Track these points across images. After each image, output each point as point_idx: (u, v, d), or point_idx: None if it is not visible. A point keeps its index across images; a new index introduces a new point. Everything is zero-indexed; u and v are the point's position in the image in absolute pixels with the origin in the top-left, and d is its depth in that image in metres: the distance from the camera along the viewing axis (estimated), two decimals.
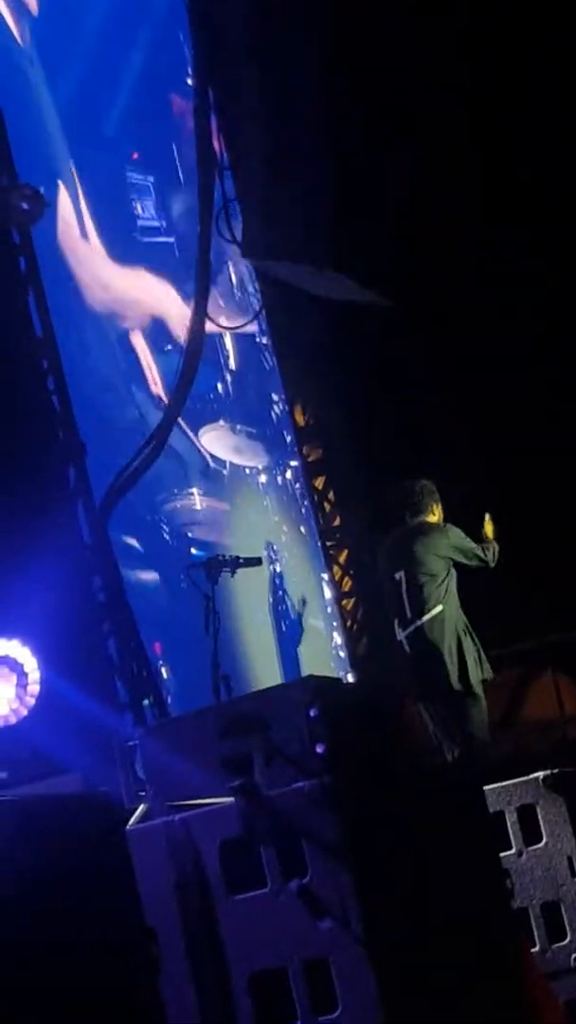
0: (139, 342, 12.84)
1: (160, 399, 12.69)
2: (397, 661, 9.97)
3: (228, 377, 13.87)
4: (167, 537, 12.56)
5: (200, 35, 10.70)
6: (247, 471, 13.75)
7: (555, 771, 6.91)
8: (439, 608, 9.58)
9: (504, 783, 7.01)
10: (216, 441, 13.44)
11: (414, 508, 9.86)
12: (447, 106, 11.02)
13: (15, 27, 12.11)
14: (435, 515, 9.88)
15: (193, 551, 12.34)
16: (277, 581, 12.96)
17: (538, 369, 11.75)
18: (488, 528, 9.90)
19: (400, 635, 9.71)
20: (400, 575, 9.76)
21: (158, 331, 13.02)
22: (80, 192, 12.52)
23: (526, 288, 11.69)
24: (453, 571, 9.68)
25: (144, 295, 12.84)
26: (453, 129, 11.15)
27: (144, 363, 12.88)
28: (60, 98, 12.56)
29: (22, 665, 7.43)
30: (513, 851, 6.93)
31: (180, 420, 11.83)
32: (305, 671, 12.30)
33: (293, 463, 13.83)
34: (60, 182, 12.23)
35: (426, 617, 9.60)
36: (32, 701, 7.38)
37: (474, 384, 11.98)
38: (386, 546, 9.99)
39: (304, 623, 13.25)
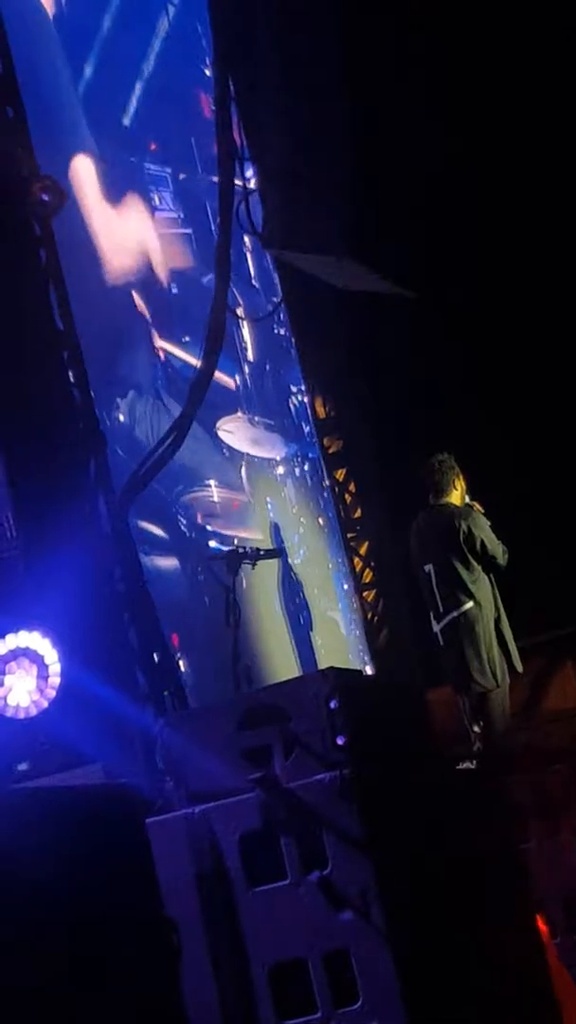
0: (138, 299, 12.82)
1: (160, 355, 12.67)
2: (433, 652, 10.04)
3: (246, 369, 13.85)
4: (184, 529, 12.54)
5: (219, 24, 10.66)
6: (265, 463, 13.74)
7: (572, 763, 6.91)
8: (469, 604, 9.61)
9: (524, 774, 7.01)
10: (234, 433, 13.43)
11: (436, 487, 9.92)
12: (474, 93, 10.98)
13: (49, 9, 12.09)
14: (457, 490, 9.92)
15: (211, 544, 12.33)
16: (292, 573, 12.95)
17: (564, 362, 11.73)
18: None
19: (435, 628, 9.78)
20: (429, 568, 9.80)
21: (173, 321, 13.01)
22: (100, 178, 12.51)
23: (551, 280, 11.67)
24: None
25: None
26: (480, 119, 11.12)
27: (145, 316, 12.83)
28: (80, 87, 12.55)
29: (43, 657, 7.43)
30: (533, 843, 6.93)
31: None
32: (324, 663, 12.29)
33: (312, 455, 13.82)
34: (82, 155, 12.19)
35: (454, 613, 9.65)
36: (53, 693, 7.38)
37: (497, 375, 11.96)
38: (414, 532, 10.03)
39: (322, 615, 13.24)
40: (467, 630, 9.58)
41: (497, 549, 9.73)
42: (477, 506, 9.93)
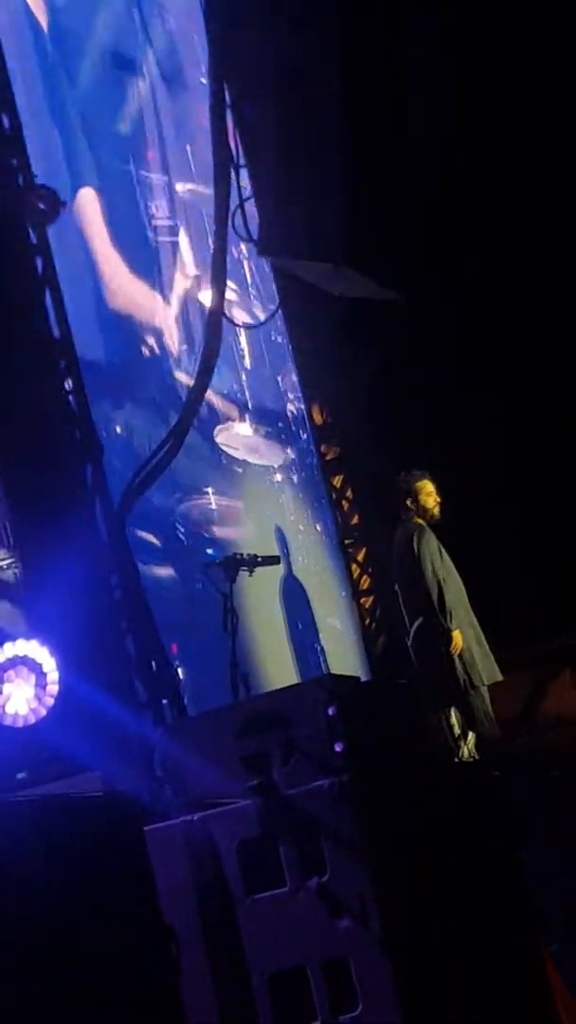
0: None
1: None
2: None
3: (243, 376, 13.84)
4: (182, 537, 12.52)
5: (215, 33, 10.69)
6: (262, 470, 13.72)
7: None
8: (420, 619, 9.82)
9: (524, 780, 7.00)
10: (231, 440, 13.41)
11: (400, 509, 10.28)
12: (467, 102, 11.00)
13: (42, 19, 12.04)
14: (413, 510, 10.22)
15: (209, 551, 12.31)
16: (293, 579, 12.94)
17: (559, 365, 11.74)
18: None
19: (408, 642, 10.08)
20: (396, 587, 10.30)
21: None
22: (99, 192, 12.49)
23: (550, 287, 11.69)
24: (433, 582, 9.93)
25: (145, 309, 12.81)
26: (471, 125, 11.14)
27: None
28: (77, 95, 12.52)
29: (40, 665, 7.43)
30: (532, 849, 6.92)
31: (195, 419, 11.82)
32: (322, 670, 12.28)
33: (309, 461, 13.82)
34: (85, 184, 12.21)
35: (412, 629, 10.04)
36: (51, 701, 7.37)
37: (493, 380, 11.98)
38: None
39: (322, 622, 13.23)
40: (423, 646, 9.86)
41: (432, 586, 9.95)
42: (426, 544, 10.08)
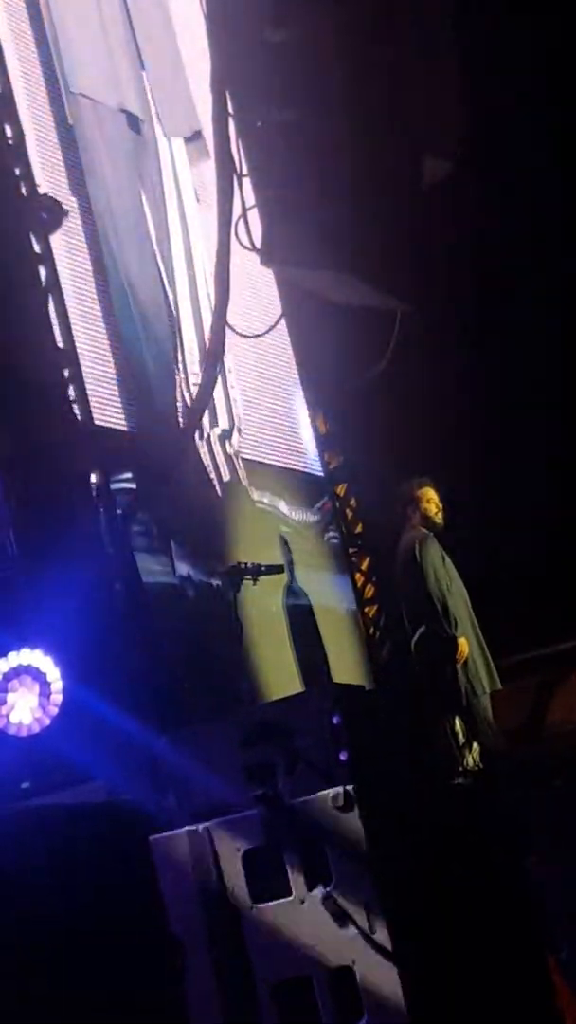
0: None
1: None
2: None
3: (247, 385, 13.83)
4: (186, 546, 12.51)
5: (216, 40, 10.68)
6: (265, 478, 13.72)
7: None
8: (422, 628, 9.85)
9: (529, 788, 6.99)
10: (235, 449, 13.41)
11: (402, 517, 10.35)
12: (474, 106, 10.99)
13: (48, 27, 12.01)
14: (414, 520, 10.32)
15: (213, 561, 12.30)
16: (296, 588, 12.93)
17: (564, 375, 11.77)
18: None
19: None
20: (400, 596, 10.54)
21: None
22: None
23: (548, 289, 11.70)
24: (436, 589, 9.97)
25: None
26: (477, 130, 11.13)
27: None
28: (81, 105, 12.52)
29: (45, 674, 7.44)
30: (537, 856, 6.91)
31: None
32: (326, 679, 12.27)
33: (312, 470, 13.81)
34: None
35: (414, 638, 10.15)
36: (55, 710, 7.38)
37: (497, 388, 11.99)
38: None
39: (326, 630, 13.22)
40: (425, 654, 9.93)
41: (428, 579, 10.04)
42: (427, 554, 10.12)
